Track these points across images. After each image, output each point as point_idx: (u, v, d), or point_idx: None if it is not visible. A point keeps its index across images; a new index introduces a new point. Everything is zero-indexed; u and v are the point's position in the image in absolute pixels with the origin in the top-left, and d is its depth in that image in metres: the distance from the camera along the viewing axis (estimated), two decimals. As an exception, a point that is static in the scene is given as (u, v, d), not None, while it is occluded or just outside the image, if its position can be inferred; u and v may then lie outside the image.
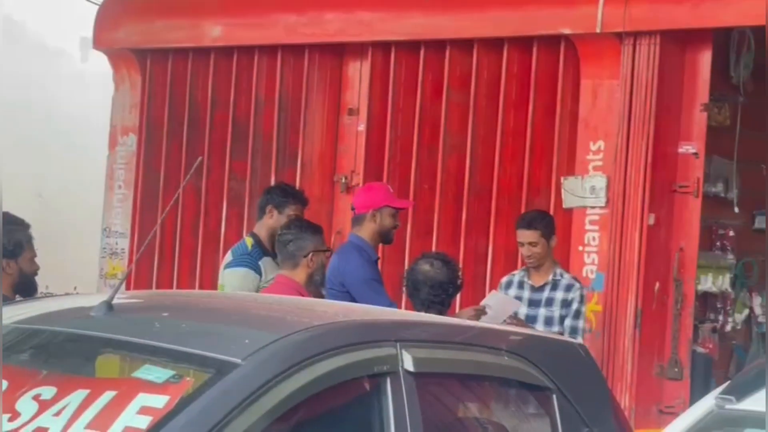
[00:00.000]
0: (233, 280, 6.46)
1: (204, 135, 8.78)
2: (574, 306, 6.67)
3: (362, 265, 6.42)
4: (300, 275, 5.84)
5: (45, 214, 9.16)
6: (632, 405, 6.97)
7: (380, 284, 6.45)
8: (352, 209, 6.74)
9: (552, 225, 6.83)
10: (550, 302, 6.69)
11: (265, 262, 6.48)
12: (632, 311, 7.00)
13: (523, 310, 6.70)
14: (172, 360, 3.41)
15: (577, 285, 6.76)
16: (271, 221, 6.63)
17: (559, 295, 6.70)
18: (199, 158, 5.45)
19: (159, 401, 3.24)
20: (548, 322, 6.62)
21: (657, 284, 7.08)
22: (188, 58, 8.87)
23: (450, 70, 7.91)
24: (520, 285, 6.80)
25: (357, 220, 6.60)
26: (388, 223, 6.56)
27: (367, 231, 6.53)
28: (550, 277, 6.74)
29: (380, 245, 6.90)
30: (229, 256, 6.67)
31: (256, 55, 8.64)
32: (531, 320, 6.69)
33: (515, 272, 6.96)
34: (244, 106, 8.70)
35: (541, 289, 6.74)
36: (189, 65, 8.87)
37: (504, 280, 6.93)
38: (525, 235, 6.74)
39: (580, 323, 6.72)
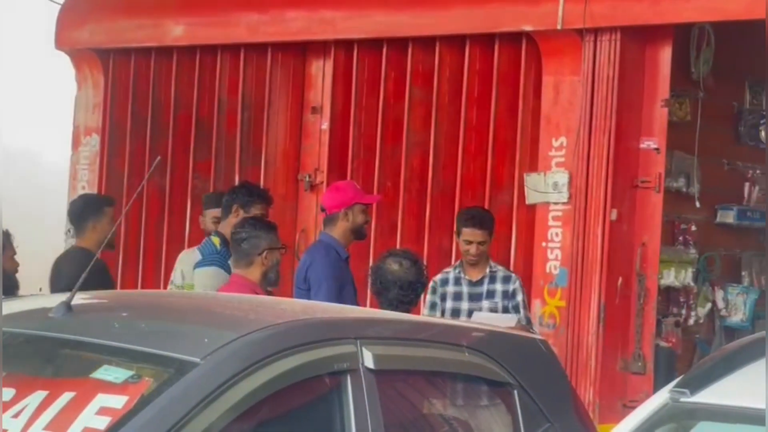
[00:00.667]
0: (204, 279, 6.45)
1: (167, 134, 8.76)
2: (519, 297, 6.78)
3: (325, 264, 6.42)
4: (255, 273, 5.78)
5: (9, 214, 9.10)
6: (596, 400, 7.00)
7: (339, 284, 6.41)
8: (323, 210, 6.72)
9: (494, 221, 6.89)
10: (491, 294, 6.77)
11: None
12: (596, 306, 7.03)
13: (465, 306, 6.75)
14: (131, 360, 3.41)
15: (514, 276, 6.88)
16: (236, 221, 6.60)
17: (499, 287, 6.79)
18: (158, 158, 5.40)
19: (118, 401, 3.24)
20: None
21: (620, 279, 7.11)
22: (151, 57, 8.84)
23: (412, 67, 7.92)
24: (457, 281, 6.85)
25: (329, 220, 6.60)
26: (360, 219, 6.58)
27: (339, 230, 6.53)
28: (487, 271, 6.82)
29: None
30: (197, 255, 6.66)
31: (219, 54, 8.63)
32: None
33: (448, 269, 6.98)
34: (207, 105, 8.68)
35: (479, 282, 6.81)
36: (152, 64, 8.84)
37: (438, 277, 6.94)
38: (476, 235, 6.76)
39: (527, 312, 6.84)
